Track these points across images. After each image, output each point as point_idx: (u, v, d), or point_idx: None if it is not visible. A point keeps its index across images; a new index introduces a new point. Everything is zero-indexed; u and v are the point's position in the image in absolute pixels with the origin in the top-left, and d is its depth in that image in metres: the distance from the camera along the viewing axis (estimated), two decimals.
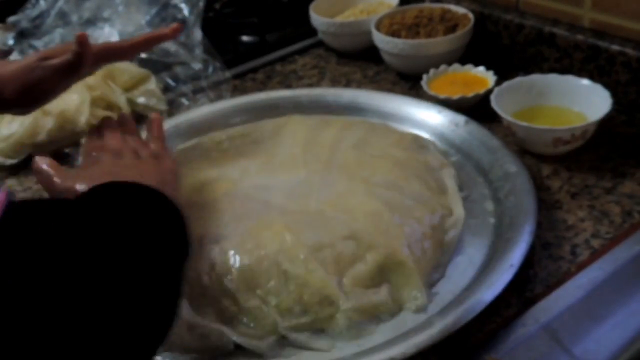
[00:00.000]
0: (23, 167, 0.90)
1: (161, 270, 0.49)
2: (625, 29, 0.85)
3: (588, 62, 0.88)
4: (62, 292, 0.41)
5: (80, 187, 0.59)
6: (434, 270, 0.64)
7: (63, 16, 1.06)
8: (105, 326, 0.42)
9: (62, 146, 0.91)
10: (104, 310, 0.42)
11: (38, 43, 1.04)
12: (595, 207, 0.71)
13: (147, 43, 0.75)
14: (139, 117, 0.97)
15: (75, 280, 0.42)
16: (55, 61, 0.70)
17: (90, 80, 0.94)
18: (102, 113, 0.93)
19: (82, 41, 0.68)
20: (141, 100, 0.97)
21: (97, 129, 0.72)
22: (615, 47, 0.85)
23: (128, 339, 0.43)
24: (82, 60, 0.69)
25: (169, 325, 0.48)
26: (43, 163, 0.64)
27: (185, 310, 0.60)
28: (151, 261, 0.48)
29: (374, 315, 0.60)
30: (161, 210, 0.54)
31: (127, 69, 0.98)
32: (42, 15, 1.06)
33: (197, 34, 1.03)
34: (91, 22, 1.05)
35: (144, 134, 0.73)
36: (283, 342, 0.60)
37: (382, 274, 0.62)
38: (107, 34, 1.02)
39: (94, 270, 0.43)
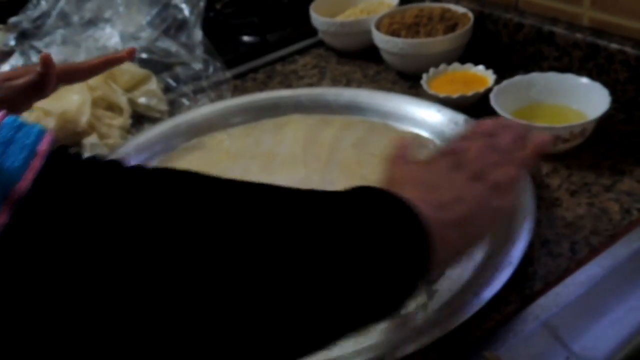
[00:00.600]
0: None
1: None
2: (624, 27, 0.86)
3: (587, 60, 0.89)
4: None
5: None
6: None
7: (64, 17, 1.07)
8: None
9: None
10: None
11: (39, 44, 1.04)
12: (595, 204, 0.72)
13: (105, 65, 0.78)
14: (140, 117, 0.98)
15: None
16: (19, 82, 0.71)
17: (91, 81, 0.94)
18: (103, 114, 0.94)
19: (47, 62, 0.70)
20: (142, 100, 0.97)
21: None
22: (614, 46, 0.85)
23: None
24: (47, 80, 0.70)
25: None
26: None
27: None
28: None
29: None
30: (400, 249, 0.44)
31: (128, 69, 0.98)
32: (43, 16, 1.07)
33: (198, 34, 1.03)
34: (92, 22, 1.06)
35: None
36: None
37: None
38: (108, 35, 1.02)
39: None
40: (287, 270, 0.38)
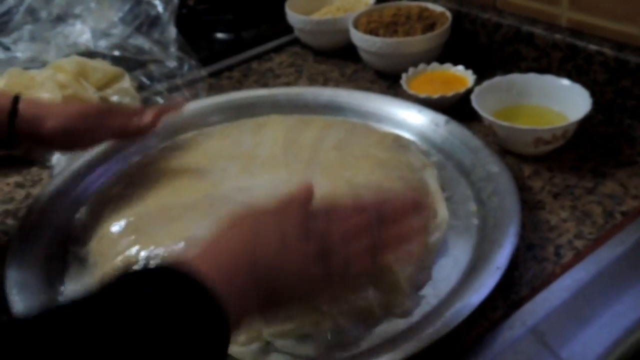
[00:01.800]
0: None
1: None
2: (603, 28, 0.86)
3: (566, 61, 0.89)
4: None
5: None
6: (420, 273, 0.63)
7: (32, 12, 1.03)
8: None
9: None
10: None
11: (6, 40, 1.01)
12: (577, 207, 0.71)
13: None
14: None
15: None
16: (115, 123, 0.71)
17: (62, 78, 0.91)
18: None
19: (158, 118, 0.73)
20: (115, 99, 0.94)
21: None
22: (592, 47, 0.85)
23: None
24: (145, 133, 0.73)
25: None
26: None
27: None
28: None
29: (360, 321, 0.59)
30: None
31: (100, 67, 0.95)
32: (10, 12, 1.03)
33: (172, 32, 1.01)
34: (61, 18, 1.03)
35: None
36: (268, 348, 0.58)
37: (368, 278, 0.61)
38: (79, 31, 0.99)
39: None
40: None
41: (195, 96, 0.96)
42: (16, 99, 0.68)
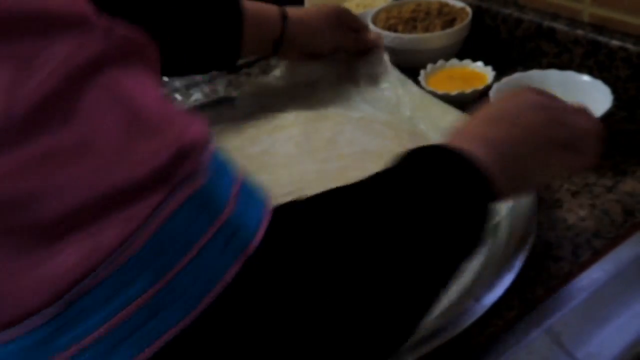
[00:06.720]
0: None
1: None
2: (626, 23, 0.84)
3: (588, 57, 0.87)
4: None
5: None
6: None
7: None
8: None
9: None
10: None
11: None
12: (596, 206, 0.70)
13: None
14: None
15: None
16: (352, 26, 0.91)
17: None
18: None
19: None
20: None
21: None
22: (615, 43, 0.84)
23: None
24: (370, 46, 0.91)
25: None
26: None
27: None
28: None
29: None
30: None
31: None
32: None
33: None
34: None
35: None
36: None
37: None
38: None
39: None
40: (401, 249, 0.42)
41: (214, 92, 0.97)
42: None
